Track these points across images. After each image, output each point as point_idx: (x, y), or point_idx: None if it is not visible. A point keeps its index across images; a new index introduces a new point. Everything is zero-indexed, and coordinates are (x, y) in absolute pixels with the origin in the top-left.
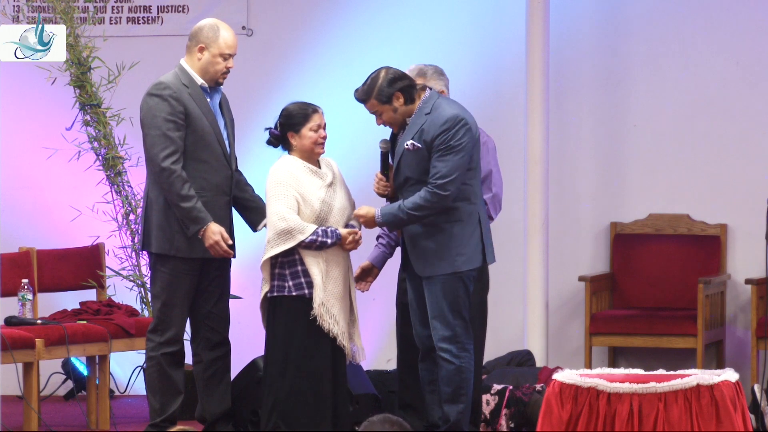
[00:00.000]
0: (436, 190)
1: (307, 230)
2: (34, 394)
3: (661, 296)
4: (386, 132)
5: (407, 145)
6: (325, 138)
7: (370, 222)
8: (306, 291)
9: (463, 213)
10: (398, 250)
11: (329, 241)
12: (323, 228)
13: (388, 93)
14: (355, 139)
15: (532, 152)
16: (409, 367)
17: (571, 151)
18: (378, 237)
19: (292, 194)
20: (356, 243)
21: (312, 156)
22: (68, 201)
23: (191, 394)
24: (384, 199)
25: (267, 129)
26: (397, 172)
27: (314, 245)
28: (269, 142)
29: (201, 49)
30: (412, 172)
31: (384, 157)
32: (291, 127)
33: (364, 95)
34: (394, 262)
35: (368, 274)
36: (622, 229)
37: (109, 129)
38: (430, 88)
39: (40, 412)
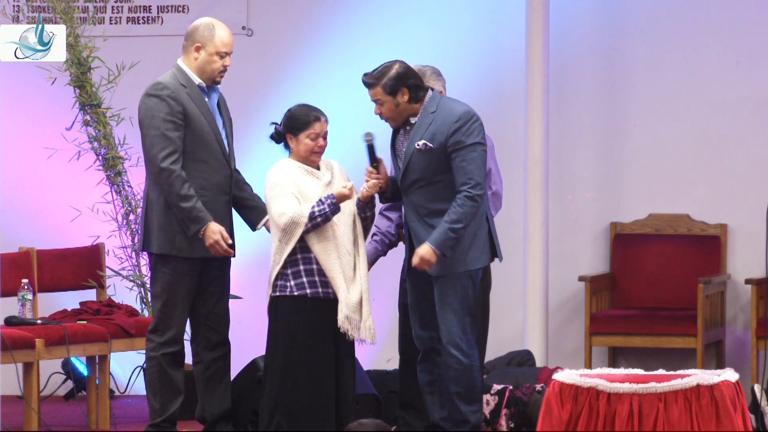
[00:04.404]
0: (474, 195)
1: (305, 211)
2: (34, 394)
3: (661, 296)
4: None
5: (418, 145)
6: (322, 147)
7: (432, 256)
8: (308, 291)
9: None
10: (398, 251)
11: (327, 207)
12: (317, 201)
13: (395, 86)
14: (356, 138)
15: (532, 152)
16: (410, 368)
17: (571, 151)
18: (373, 234)
19: (289, 191)
20: (352, 190)
21: (307, 162)
22: (68, 201)
23: (191, 394)
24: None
25: (273, 123)
26: (406, 173)
27: (319, 219)
28: (273, 137)
29: (197, 48)
30: (423, 173)
31: (371, 148)
32: (290, 130)
33: (372, 80)
34: (396, 263)
35: None
36: (622, 229)
37: (109, 129)
38: (432, 89)
39: (40, 412)
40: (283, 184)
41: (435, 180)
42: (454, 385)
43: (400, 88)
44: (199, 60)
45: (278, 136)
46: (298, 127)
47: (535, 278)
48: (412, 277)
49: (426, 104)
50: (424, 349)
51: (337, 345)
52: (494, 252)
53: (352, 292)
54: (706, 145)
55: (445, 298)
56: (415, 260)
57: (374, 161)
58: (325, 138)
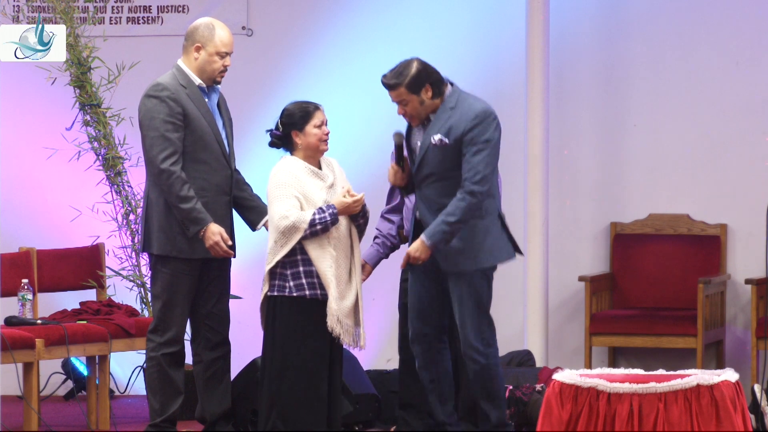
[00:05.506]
0: (475, 190)
1: (307, 217)
2: (34, 394)
3: (661, 296)
4: (394, 123)
5: (434, 140)
6: (328, 134)
7: (424, 251)
8: (307, 292)
9: (487, 209)
10: (399, 253)
11: (328, 217)
12: (318, 209)
13: (418, 83)
14: (356, 138)
15: (532, 152)
16: (410, 367)
17: (571, 151)
18: (375, 237)
19: (293, 194)
20: (357, 202)
21: (316, 154)
22: (68, 201)
23: (191, 394)
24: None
25: (268, 131)
26: (420, 167)
27: (319, 227)
28: (272, 144)
29: (197, 49)
30: (437, 167)
31: (399, 149)
32: (294, 126)
33: (393, 81)
34: (395, 264)
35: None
36: (622, 229)
37: (109, 129)
38: (452, 84)
39: (40, 412)
40: (289, 186)
41: (448, 176)
42: (474, 383)
43: (423, 85)
44: (199, 60)
45: (279, 140)
46: (302, 120)
47: (535, 278)
48: (415, 271)
49: (446, 99)
50: (422, 347)
51: (332, 346)
52: (514, 248)
53: (347, 297)
54: (706, 145)
55: (460, 298)
56: (407, 257)
57: (401, 161)
58: (326, 125)
